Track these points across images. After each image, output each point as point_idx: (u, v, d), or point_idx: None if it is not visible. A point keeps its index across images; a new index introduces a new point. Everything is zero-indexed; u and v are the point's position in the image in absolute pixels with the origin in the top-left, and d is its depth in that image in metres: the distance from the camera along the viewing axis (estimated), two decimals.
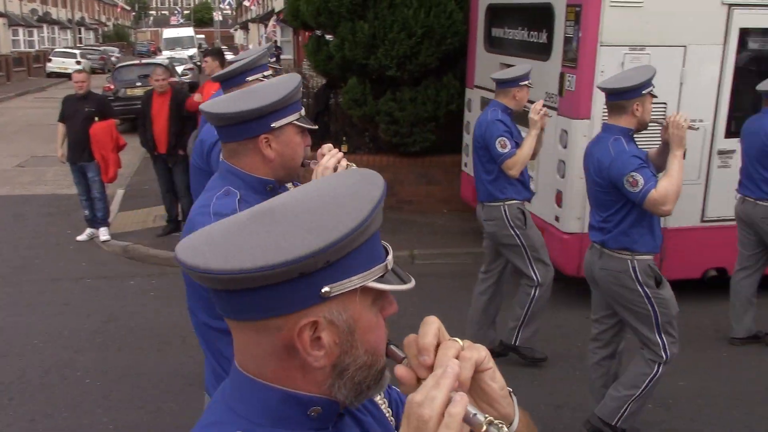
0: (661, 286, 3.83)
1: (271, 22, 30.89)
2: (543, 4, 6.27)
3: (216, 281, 0.94)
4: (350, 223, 0.94)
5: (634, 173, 3.63)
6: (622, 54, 5.68)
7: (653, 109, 3.98)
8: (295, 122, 2.15)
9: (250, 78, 3.40)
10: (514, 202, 4.87)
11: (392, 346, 1.06)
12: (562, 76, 5.95)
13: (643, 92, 3.76)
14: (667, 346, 3.86)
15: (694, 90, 5.86)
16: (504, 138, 4.69)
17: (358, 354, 1.02)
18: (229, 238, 0.95)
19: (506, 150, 4.69)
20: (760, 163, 5.19)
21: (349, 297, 0.98)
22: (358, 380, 1.03)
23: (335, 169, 2.19)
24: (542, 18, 6.31)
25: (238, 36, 52.00)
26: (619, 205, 3.76)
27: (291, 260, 0.90)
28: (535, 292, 4.97)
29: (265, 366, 1.01)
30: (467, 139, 7.85)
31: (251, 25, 47.46)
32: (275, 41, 29.92)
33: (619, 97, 3.79)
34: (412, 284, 1.03)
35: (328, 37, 9.59)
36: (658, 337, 3.85)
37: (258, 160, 2.12)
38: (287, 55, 29.65)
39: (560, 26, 6.00)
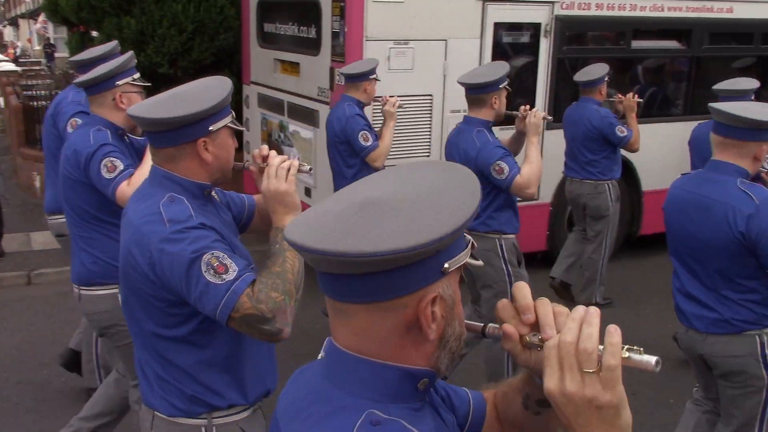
0: (521, 265, 4.24)
1: (41, 18, 28.59)
2: (310, 0, 6.26)
3: (356, 265, 1.00)
4: (472, 205, 1.06)
5: (499, 161, 3.95)
6: (387, 48, 5.80)
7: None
8: (229, 124, 2.14)
9: (120, 82, 3.27)
10: None
11: (466, 321, 1.19)
12: (331, 71, 5.97)
13: (500, 86, 4.10)
14: None
15: (455, 81, 6.11)
16: (366, 131, 4.84)
17: (455, 325, 1.12)
18: (355, 226, 1.01)
19: (369, 143, 4.82)
20: (586, 147, 5.84)
21: (454, 273, 1.09)
22: (454, 350, 1.13)
23: (288, 169, 2.14)
24: (310, 13, 6.29)
25: (8, 33, 47.85)
26: (486, 191, 3.95)
27: (436, 239, 1.00)
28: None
29: (386, 345, 1.08)
30: (248, 135, 7.69)
31: (21, 21, 43.69)
32: (47, 38, 27.72)
33: (480, 91, 4.10)
34: (482, 263, 1.16)
35: (94, 33, 8.97)
36: None
37: (196, 165, 2.09)
38: (63, 53, 27.60)
39: (327, 22, 6.01)
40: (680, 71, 7.33)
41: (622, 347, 1.01)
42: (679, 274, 3.21)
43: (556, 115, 6.08)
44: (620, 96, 5.96)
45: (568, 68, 6.74)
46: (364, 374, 1.09)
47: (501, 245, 4.15)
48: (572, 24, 6.54)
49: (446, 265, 1.06)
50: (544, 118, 4.19)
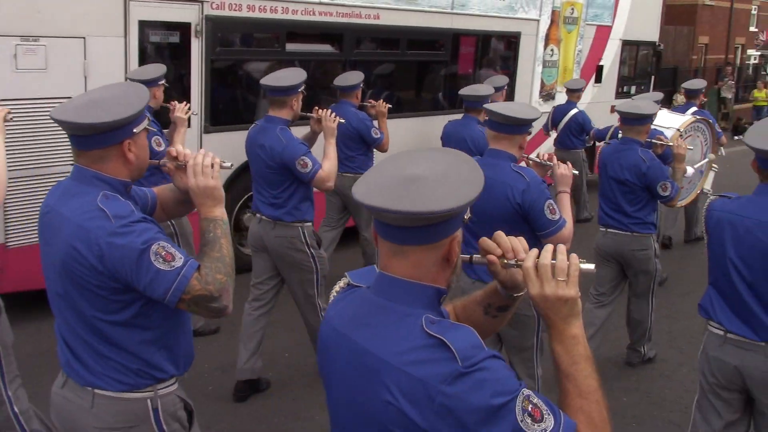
0: (321, 246, 4.83)
1: None
2: None
3: (424, 219, 1.50)
4: (482, 177, 1.59)
5: (303, 157, 4.39)
6: (13, 45, 5.15)
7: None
8: (147, 126, 2.34)
9: None
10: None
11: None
12: None
13: (299, 90, 4.56)
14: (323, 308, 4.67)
15: (98, 82, 5.65)
16: (159, 137, 4.84)
17: (458, 256, 1.64)
18: (417, 193, 1.50)
19: (162, 149, 4.70)
20: (345, 145, 6.13)
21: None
22: (457, 273, 1.66)
23: (212, 166, 2.36)
24: None
25: None
26: (288, 183, 4.49)
27: (471, 200, 1.52)
28: None
29: (429, 273, 1.59)
30: None
31: None
32: None
33: (282, 94, 4.51)
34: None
35: None
36: (317, 293, 4.72)
37: (120, 164, 2.27)
38: None
39: None
40: (334, 75, 7.59)
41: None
42: (472, 244, 3.54)
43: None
44: (371, 101, 6.55)
45: (224, 70, 6.63)
46: (416, 292, 1.57)
47: (304, 233, 4.63)
48: (224, 25, 6.42)
49: (467, 216, 1.63)
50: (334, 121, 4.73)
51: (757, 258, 3.06)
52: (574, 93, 9.30)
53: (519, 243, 1.72)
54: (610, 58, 11.40)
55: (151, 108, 4.96)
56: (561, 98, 9.85)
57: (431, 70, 8.84)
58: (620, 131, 5.23)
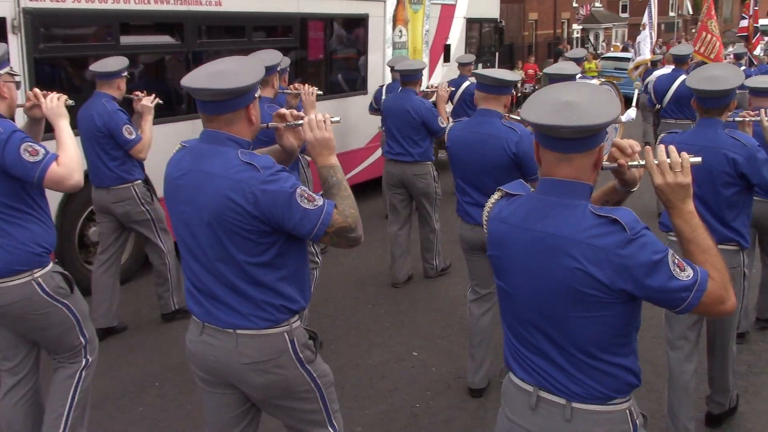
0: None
1: None
2: None
3: (590, 131, 2.03)
4: (618, 103, 2.13)
5: (127, 125, 5.17)
6: None
7: None
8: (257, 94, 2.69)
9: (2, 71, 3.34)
10: (140, 181, 5.38)
11: None
12: None
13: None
14: None
15: None
16: (129, 126, 5.16)
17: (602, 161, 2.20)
18: (579, 111, 2.02)
19: (133, 137, 5.16)
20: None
21: None
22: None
23: (324, 121, 2.70)
24: None
25: None
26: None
27: (618, 114, 2.05)
28: (167, 260, 5.63)
29: (585, 173, 2.11)
30: None
31: None
32: None
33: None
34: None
35: None
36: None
37: (246, 126, 2.58)
38: None
39: None
40: (177, 67, 7.00)
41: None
42: (468, 191, 4.42)
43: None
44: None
45: (50, 69, 5.90)
46: (578, 189, 2.11)
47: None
48: (47, 19, 5.69)
49: (607, 129, 2.15)
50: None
51: (705, 176, 3.65)
52: (465, 66, 9.17)
53: (636, 147, 2.23)
54: (457, 36, 11.45)
55: (116, 98, 5.21)
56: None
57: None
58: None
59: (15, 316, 3.27)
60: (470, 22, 11.71)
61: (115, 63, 5.23)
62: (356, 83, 9.47)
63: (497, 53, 12.91)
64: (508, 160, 4.17)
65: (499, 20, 12.57)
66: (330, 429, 2.79)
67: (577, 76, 7.82)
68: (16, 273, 3.20)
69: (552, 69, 6.03)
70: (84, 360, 3.53)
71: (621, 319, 2.07)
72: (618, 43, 39.24)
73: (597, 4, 42.05)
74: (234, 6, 7.25)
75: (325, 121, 2.65)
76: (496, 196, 2.30)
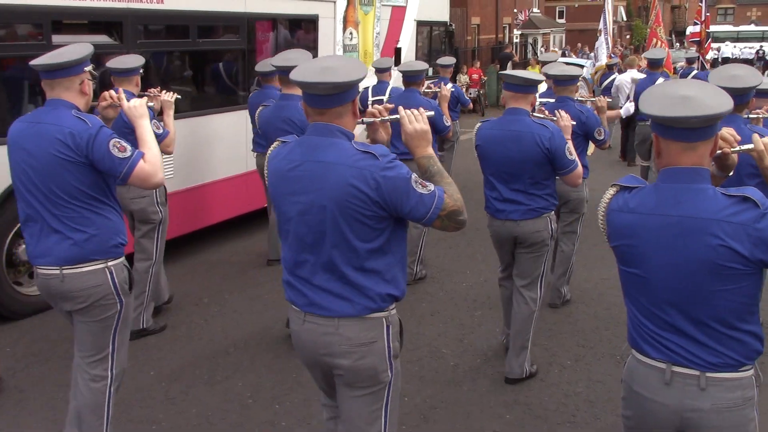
0: None
1: None
2: None
3: (712, 120, 2.24)
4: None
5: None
6: None
7: None
8: None
9: (86, 68, 3.42)
10: None
11: None
12: None
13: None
14: None
15: None
16: (156, 121, 4.92)
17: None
18: (699, 103, 2.23)
19: (161, 131, 5.06)
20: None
21: None
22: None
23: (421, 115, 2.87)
24: None
25: None
26: None
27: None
28: (151, 270, 5.36)
29: (706, 160, 2.32)
30: None
31: None
32: None
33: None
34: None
35: None
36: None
37: (350, 119, 2.70)
38: None
39: None
40: None
41: None
42: (497, 187, 4.59)
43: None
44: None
45: None
46: (701, 174, 2.30)
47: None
48: None
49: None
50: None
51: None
52: (383, 73, 8.82)
53: (737, 135, 2.60)
54: (407, 39, 11.14)
55: (132, 94, 4.83)
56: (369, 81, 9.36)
57: (227, 60, 7.94)
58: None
59: (80, 302, 3.32)
60: (420, 25, 11.42)
61: (132, 60, 5.19)
62: None
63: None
64: (541, 155, 4.39)
65: (449, 23, 12.33)
66: None
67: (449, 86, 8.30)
68: (94, 260, 3.32)
69: (555, 71, 5.88)
70: (109, 374, 3.46)
71: (755, 288, 2.31)
72: (556, 48, 39.78)
73: (535, 10, 42.53)
74: (177, 4, 6.76)
75: (421, 114, 2.81)
76: (611, 191, 2.47)
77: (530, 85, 4.47)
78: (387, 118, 2.87)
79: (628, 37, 52.00)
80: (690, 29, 14.37)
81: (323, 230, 2.59)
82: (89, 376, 3.41)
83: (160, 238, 5.41)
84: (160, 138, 5.00)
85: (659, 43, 13.20)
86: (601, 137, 5.82)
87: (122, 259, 3.43)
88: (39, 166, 3.21)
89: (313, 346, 2.71)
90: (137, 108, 3.49)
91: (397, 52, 10.87)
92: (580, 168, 4.50)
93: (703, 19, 13.86)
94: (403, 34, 10.98)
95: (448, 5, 12.22)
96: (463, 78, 20.32)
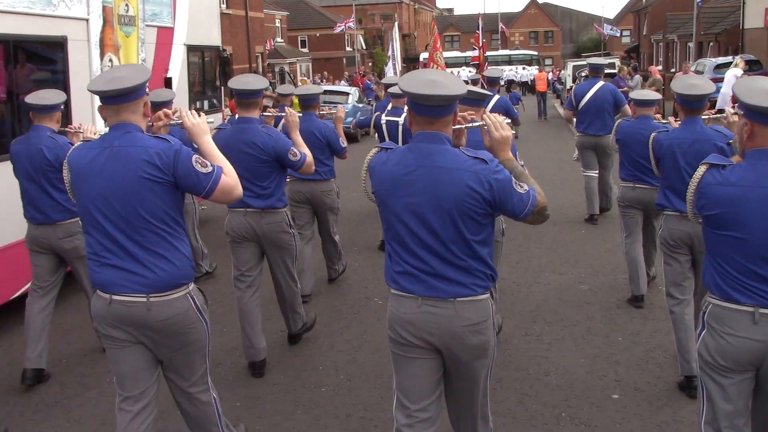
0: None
1: None
2: None
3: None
4: None
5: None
6: None
7: None
8: None
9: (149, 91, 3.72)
10: None
11: None
12: None
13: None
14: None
15: None
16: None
17: None
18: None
19: None
20: None
21: None
22: None
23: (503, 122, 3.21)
24: None
25: None
26: (275, 174, 5.02)
27: None
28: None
29: None
30: None
31: None
32: None
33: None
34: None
35: None
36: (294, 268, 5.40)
37: (450, 127, 3.00)
38: None
39: None
40: None
41: None
42: None
43: None
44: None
45: None
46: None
47: (286, 216, 5.27)
48: None
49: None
50: None
51: (698, 159, 3.83)
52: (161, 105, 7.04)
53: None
54: (178, 67, 9.30)
55: (54, 131, 4.96)
56: None
57: None
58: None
59: (169, 331, 3.26)
60: (191, 50, 9.65)
61: (53, 96, 5.08)
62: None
63: (221, 87, 10.96)
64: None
65: (222, 48, 10.67)
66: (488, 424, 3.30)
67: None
68: (179, 286, 3.25)
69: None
70: (210, 386, 3.53)
71: None
72: (306, 78, 39.50)
73: (279, 40, 42.06)
74: None
75: (502, 122, 3.11)
76: (702, 168, 2.94)
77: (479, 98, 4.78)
78: (472, 125, 3.15)
79: (370, 64, 53.71)
80: (470, 53, 15.47)
81: (440, 227, 2.90)
82: (192, 397, 3.45)
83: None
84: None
85: (436, 66, 13.78)
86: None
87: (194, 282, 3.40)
88: (122, 190, 3.11)
89: (436, 327, 2.97)
90: (200, 125, 3.36)
91: (168, 82, 8.98)
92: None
93: (480, 44, 15.03)
94: (173, 61, 9.13)
95: (219, 27, 10.57)
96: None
